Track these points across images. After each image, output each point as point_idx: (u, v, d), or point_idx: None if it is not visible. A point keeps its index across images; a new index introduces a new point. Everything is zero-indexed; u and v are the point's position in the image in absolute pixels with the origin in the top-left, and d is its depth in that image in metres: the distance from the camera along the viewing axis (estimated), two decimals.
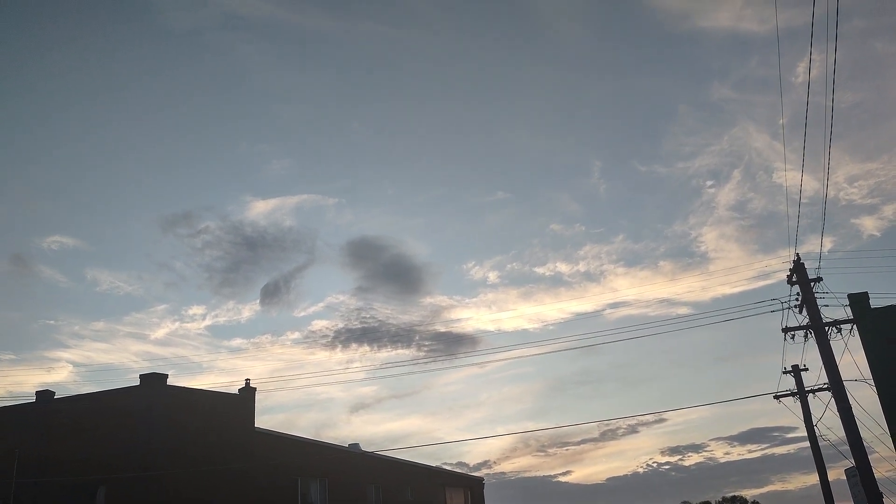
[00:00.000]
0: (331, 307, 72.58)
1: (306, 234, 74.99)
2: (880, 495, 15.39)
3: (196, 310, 70.81)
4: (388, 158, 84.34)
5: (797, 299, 17.27)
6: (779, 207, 68.06)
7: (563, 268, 72.68)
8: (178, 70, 78.37)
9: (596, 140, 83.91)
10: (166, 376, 24.34)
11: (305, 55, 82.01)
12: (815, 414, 23.93)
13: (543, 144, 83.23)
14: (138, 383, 23.98)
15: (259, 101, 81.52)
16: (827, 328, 16.59)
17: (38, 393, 26.18)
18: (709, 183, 73.45)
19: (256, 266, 71.84)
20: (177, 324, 69.45)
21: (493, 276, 74.30)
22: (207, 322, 70.45)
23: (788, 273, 17.42)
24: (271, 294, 67.21)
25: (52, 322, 67.22)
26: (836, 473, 31.24)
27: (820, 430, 23.46)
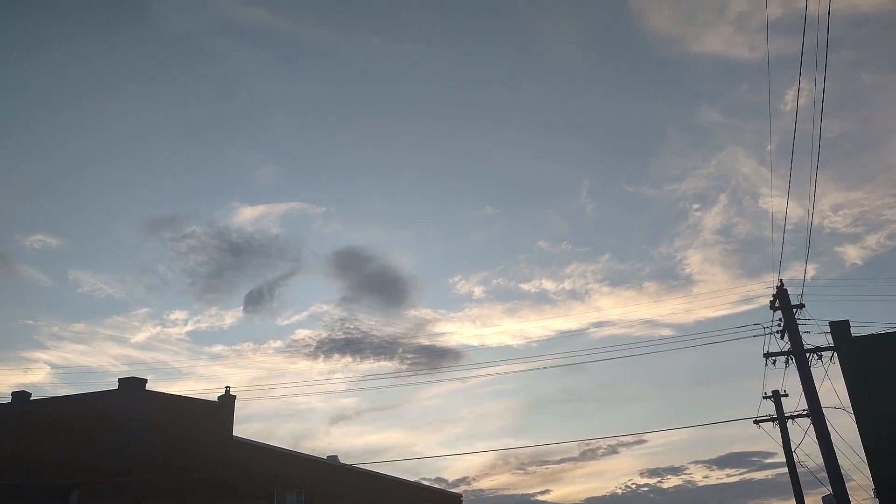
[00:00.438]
0: (314, 317, 72.24)
1: (292, 243, 74.73)
2: None
3: (178, 315, 70.27)
4: (378, 170, 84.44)
5: (779, 325, 17.40)
6: (764, 233, 68.66)
7: (548, 285, 72.87)
8: (171, 73, 78.26)
9: (585, 159, 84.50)
10: (145, 381, 24.11)
11: (300, 64, 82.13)
12: (794, 440, 24.07)
13: (533, 161, 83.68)
14: (117, 387, 23.74)
15: (251, 107, 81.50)
16: (808, 355, 16.70)
17: (13, 394, 25.81)
18: (695, 206, 74.07)
19: (241, 273, 71.47)
20: (158, 328, 68.88)
21: (478, 291, 74.35)
22: (189, 327, 69.91)
23: (771, 298, 17.55)
24: (255, 301, 66.82)
25: (31, 322, 66.48)
26: (813, 500, 31.36)
27: (798, 456, 23.59)
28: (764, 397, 25.24)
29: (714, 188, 74.15)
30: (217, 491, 24.51)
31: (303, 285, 78.89)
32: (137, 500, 22.01)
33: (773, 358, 17.57)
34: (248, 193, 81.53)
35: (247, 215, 73.55)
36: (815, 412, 16.00)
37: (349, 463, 31.77)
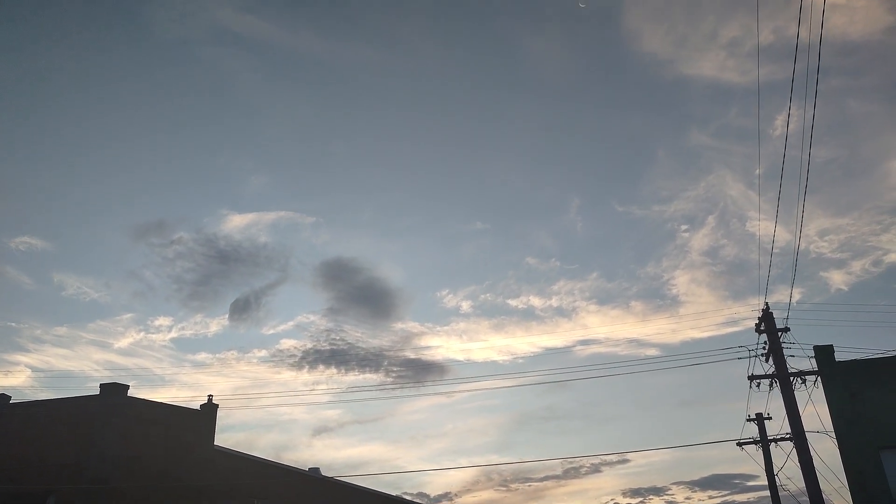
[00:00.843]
0: (300, 327, 71.83)
1: (280, 252, 74.34)
2: None
3: (162, 321, 69.67)
4: (368, 181, 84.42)
5: (764, 348, 17.47)
6: (750, 256, 69.04)
7: (535, 302, 72.86)
8: (164, 79, 78.08)
9: (575, 177, 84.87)
10: (127, 387, 23.89)
11: (293, 74, 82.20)
12: (777, 463, 24.11)
13: (523, 178, 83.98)
14: (98, 392, 23.51)
15: (243, 115, 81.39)
16: (792, 378, 16.78)
17: None
18: (683, 227, 74.46)
19: (227, 280, 71.00)
20: (142, 334, 68.27)
21: (465, 306, 74.26)
22: (173, 334, 69.35)
23: (757, 321, 17.64)
24: (241, 310, 66.38)
25: (13, 324, 65.74)
26: None
27: (781, 479, 23.62)
28: (747, 420, 25.30)
29: (702, 210, 74.64)
30: (196, 500, 24.25)
31: (289, 295, 78.47)
32: None
33: (758, 381, 17.64)
34: (237, 201, 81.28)
35: (235, 223, 73.30)
36: (798, 436, 16.05)
37: (331, 475, 31.52)
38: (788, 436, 18.81)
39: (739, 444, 25.11)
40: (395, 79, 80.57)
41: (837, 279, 62.11)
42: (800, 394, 16.70)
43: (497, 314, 74.08)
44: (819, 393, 17.59)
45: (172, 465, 24.15)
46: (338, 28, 79.97)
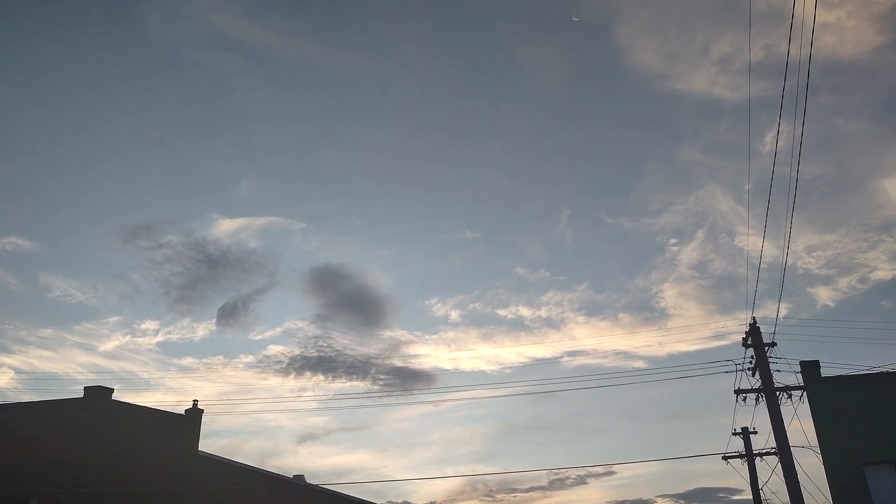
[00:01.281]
0: (288, 333, 71.48)
1: (270, 257, 74.08)
2: None
3: (149, 324, 69.19)
4: (359, 188, 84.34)
5: (751, 362, 17.55)
6: (739, 270, 69.37)
7: (524, 312, 72.89)
8: (157, 81, 77.86)
9: (566, 189, 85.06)
10: (112, 390, 23.70)
11: (287, 80, 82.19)
12: (762, 478, 24.19)
13: (514, 188, 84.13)
14: (82, 395, 23.31)
15: (235, 120, 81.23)
16: (778, 393, 16.85)
17: None
18: (672, 241, 74.73)
19: (215, 285, 70.59)
20: (128, 337, 67.76)
21: (454, 315, 74.18)
22: (160, 338, 68.86)
23: (744, 336, 17.72)
24: (228, 315, 66.00)
25: None
26: None
27: (765, 494, 23.71)
28: (733, 434, 25.37)
29: (691, 224, 75.00)
30: None
31: (278, 301, 78.13)
32: None
33: (744, 395, 17.71)
34: (227, 205, 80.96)
35: (225, 227, 73.02)
36: (783, 451, 16.12)
37: (315, 483, 31.34)
38: (774, 450, 18.90)
39: (725, 458, 25.19)
40: (389, 87, 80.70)
41: (824, 295, 62.47)
42: (785, 408, 16.78)
43: (486, 324, 74.05)
44: (805, 408, 17.69)
45: (156, 470, 23.96)
46: (333, 35, 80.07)
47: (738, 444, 25.55)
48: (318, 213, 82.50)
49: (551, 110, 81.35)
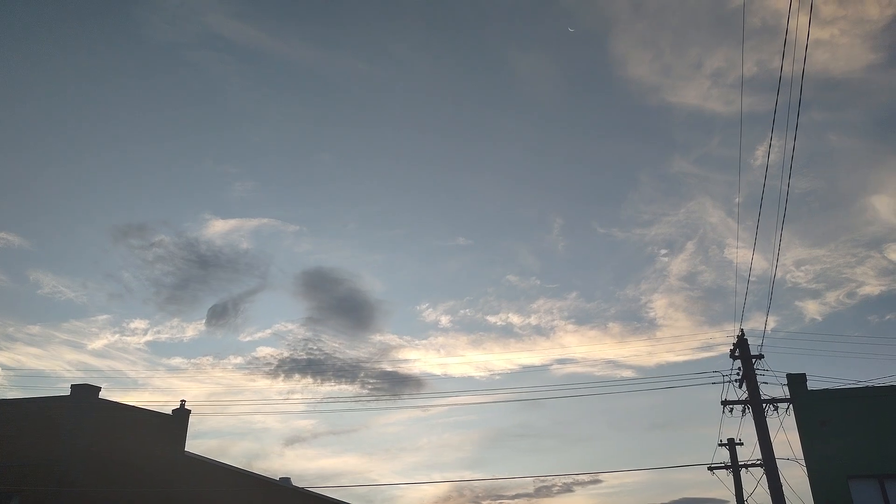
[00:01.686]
0: (278, 335, 71.28)
1: (262, 259, 73.95)
2: None
3: (138, 324, 68.88)
4: (353, 192, 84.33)
5: (738, 374, 17.65)
6: (728, 282, 69.71)
7: (514, 319, 72.97)
8: (152, 81, 77.68)
9: (559, 197, 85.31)
10: (99, 389, 23.60)
11: (283, 82, 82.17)
12: (747, 489, 24.29)
13: (508, 196, 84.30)
14: (69, 393, 23.20)
15: (230, 121, 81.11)
16: (764, 405, 16.95)
17: None
18: (663, 252, 75.04)
19: (206, 286, 70.37)
20: (116, 336, 67.43)
21: (445, 320, 74.18)
22: (149, 337, 68.55)
23: (732, 347, 17.82)
24: (218, 315, 65.78)
25: None
26: None
27: None
28: (719, 445, 25.49)
29: (682, 235, 75.32)
30: None
31: (268, 303, 77.94)
32: None
33: (731, 406, 17.80)
34: (220, 206, 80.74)
35: (217, 228, 72.85)
36: (769, 462, 16.21)
37: (302, 486, 31.25)
38: (759, 462, 19.00)
39: (711, 469, 25.28)
40: (385, 92, 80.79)
41: (812, 309, 62.84)
42: (772, 420, 16.88)
43: (476, 330, 74.09)
44: (791, 420, 17.80)
45: (142, 469, 23.85)
46: (329, 38, 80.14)
47: (724, 455, 25.65)
48: (311, 216, 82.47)
49: (546, 119, 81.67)
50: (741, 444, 25.20)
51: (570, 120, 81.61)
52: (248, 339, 69.56)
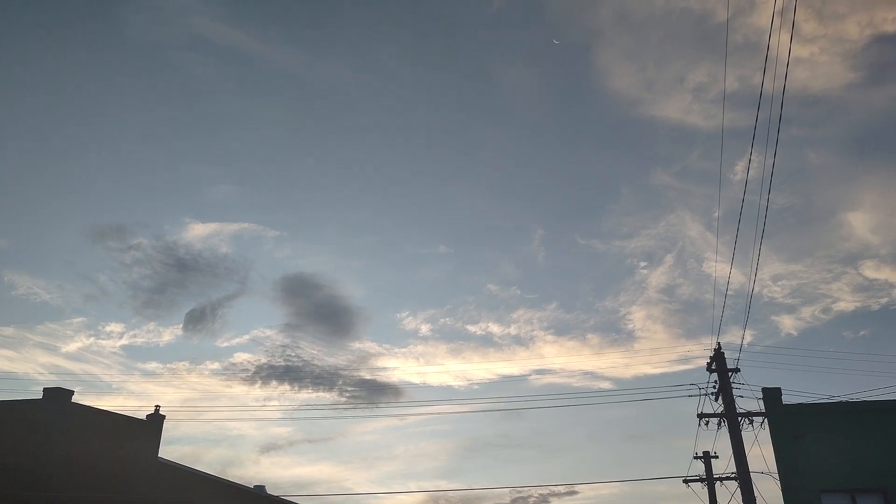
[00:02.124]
0: (256, 341, 70.81)
1: (241, 264, 73.44)
2: None
3: (114, 327, 68.11)
4: (335, 199, 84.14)
5: (714, 387, 17.79)
6: (706, 296, 70.37)
7: (494, 329, 73.06)
8: (134, 82, 77.11)
9: (540, 208, 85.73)
10: (72, 392, 23.28)
11: (267, 87, 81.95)
12: (721, 502, 24.44)
13: (489, 205, 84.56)
14: (41, 397, 22.86)
15: (212, 124, 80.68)
16: (740, 418, 17.10)
17: None
18: (642, 264, 75.55)
19: (184, 290, 69.74)
20: (92, 339, 66.59)
21: (424, 329, 74.08)
22: (124, 341, 67.78)
23: (708, 361, 17.97)
24: (195, 320, 65.18)
25: None
26: None
27: None
28: (695, 457, 25.63)
29: (661, 248, 75.95)
30: None
31: (247, 308, 77.41)
32: None
33: (707, 419, 17.93)
34: (200, 210, 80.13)
35: (197, 232, 72.29)
36: (743, 475, 16.33)
37: (276, 494, 30.97)
38: (734, 475, 19.13)
39: (686, 481, 25.40)
40: (368, 98, 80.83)
41: (788, 324, 63.56)
42: (747, 434, 17.02)
43: (455, 339, 74.09)
44: (765, 434, 17.96)
45: (114, 475, 23.51)
46: (314, 44, 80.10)
47: (699, 468, 25.80)
48: (292, 222, 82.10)
49: (529, 129, 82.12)
50: (716, 457, 25.37)
51: (552, 131, 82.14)
52: (225, 344, 69.00)
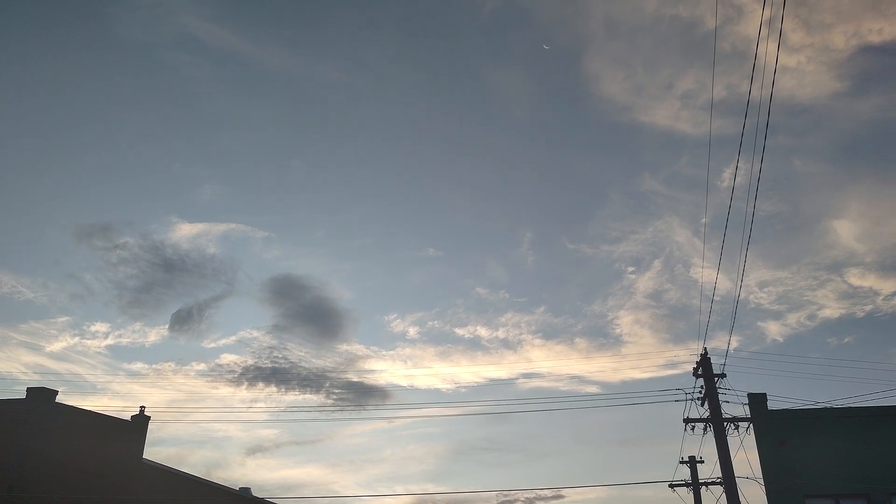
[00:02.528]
0: (243, 342, 70.51)
1: (229, 265, 73.14)
2: None
3: (99, 327, 67.65)
4: (324, 200, 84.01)
5: (701, 392, 17.87)
6: (692, 301, 70.68)
7: (482, 332, 73.10)
8: (124, 81, 76.72)
9: (529, 212, 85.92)
10: (56, 393, 23.08)
11: (257, 88, 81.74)
12: None
13: (478, 209, 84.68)
14: (24, 396, 22.66)
15: (201, 124, 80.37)
16: (725, 423, 17.17)
17: None
18: (630, 269, 75.85)
19: (171, 290, 69.36)
20: (76, 339, 66.10)
21: (412, 332, 74.00)
22: (109, 341, 67.32)
23: (695, 366, 18.05)
24: (182, 321, 64.81)
25: None
26: None
27: None
28: (681, 462, 25.72)
29: (649, 253, 76.25)
30: None
31: (234, 309, 77.07)
32: None
33: (693, 424, 17.99)
34: (188, 210, 79.76)
35: (184, 232, 71.92)
36: (728, 480, 16.40)
37: (262, 496, 30.82)
38: (719, 479, 19.20)
39: (671, 486, 25.49)
40: (360, 101, 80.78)
41: (774, 330, 63.94)
42: (732, 439, 17.10)
43: (443, 342, 74.06)
44: (750, 439, 18.05)
45: (98, 476, 23.33)
46: (306, 46, 79.99)
47: (685, 473, 25.94)
48: (281, 223, 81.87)
49: (519, 134, 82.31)
50: (702, 461, 25.47)
51: (542, 135, 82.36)
52: (212, 345, 68.65)
